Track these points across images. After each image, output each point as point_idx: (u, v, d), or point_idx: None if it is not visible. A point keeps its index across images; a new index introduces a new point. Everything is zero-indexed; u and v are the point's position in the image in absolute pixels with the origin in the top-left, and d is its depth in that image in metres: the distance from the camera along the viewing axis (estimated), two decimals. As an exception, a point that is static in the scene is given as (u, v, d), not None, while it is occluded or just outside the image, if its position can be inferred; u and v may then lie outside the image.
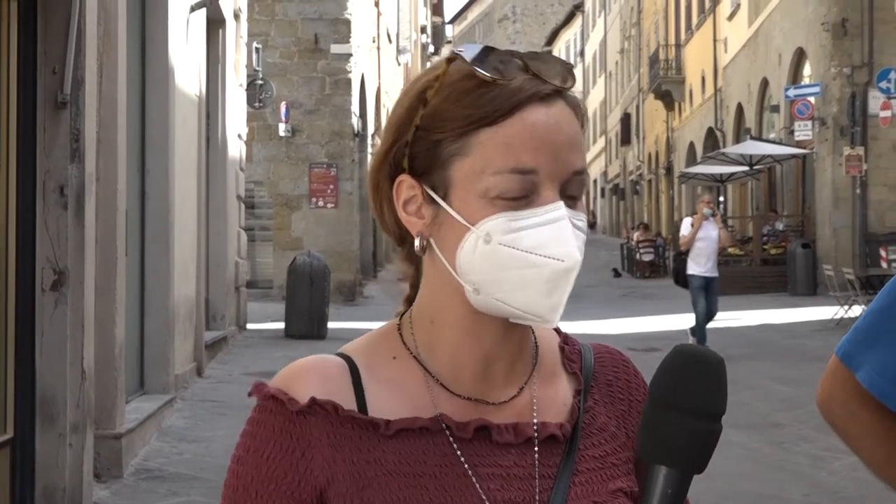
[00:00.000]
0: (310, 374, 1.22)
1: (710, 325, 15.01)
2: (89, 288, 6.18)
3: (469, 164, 1.17)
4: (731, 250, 26.18)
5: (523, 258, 1.15)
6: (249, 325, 15.66)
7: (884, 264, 20.14)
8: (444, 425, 1.20)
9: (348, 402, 1.20)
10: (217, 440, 8.26)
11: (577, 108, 1.21)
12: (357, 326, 16.23)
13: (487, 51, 1.18)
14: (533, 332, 1.30)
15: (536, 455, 1.23)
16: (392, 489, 1.17)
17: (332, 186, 22.69)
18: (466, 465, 1.20)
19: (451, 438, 1.20)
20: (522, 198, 1.16)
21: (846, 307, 16.55)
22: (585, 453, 1.25)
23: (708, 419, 1.11)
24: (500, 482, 1.20)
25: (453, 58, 1.20)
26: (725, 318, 18.49)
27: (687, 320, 18.50)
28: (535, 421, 1.24)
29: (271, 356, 12.91)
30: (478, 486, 1.19)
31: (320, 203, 22.60)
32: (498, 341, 1.23)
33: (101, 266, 6.80)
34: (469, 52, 1.18)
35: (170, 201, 9.36)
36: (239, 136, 14.56)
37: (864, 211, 22.01)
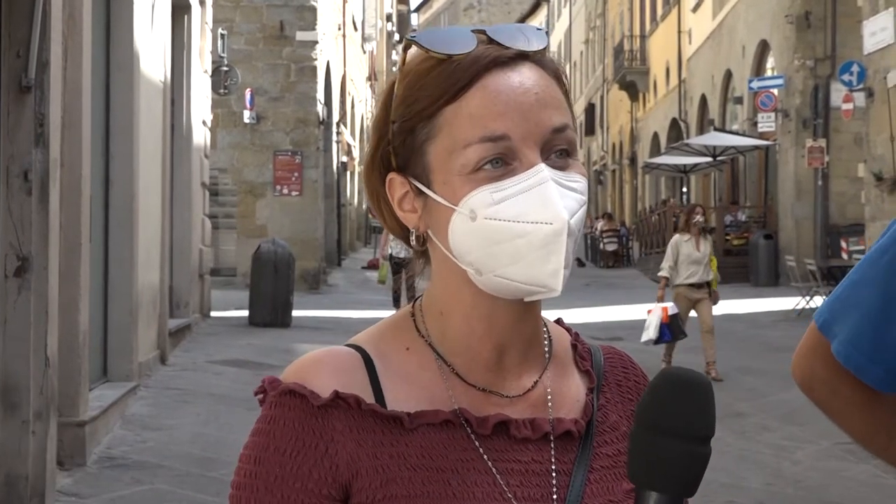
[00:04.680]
0: (325, 367, 1.17)
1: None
2: (53, 274, 6.13)
3: (441, 144, 1.14)
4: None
5: (510, 228, 1.12)
6: (213, 313, 15.59)
7: (845, 255, 20.31)
8: (463, 420, 1.18)
9: (366, 395, 1.16)
10: (181, 428, 8.23)
11: (551, 68, 1.18)
12: (322, 314, 16.18)
13: (441, 30, 1.16)
14: (546, 326, 1.28)
15: (553, 451, 1.21)
16: (416, 484, 1.14)
17: (296, 174, 22.62)
18: (489, 461, 1.17)
19: (471, 434, 1.18)
20: (503, 167, 1.12)
21: (808, 298, 16.69)
22: (599, 451, 1.23)
23: (696, 442, 1.09)
24: (520, 478, 1.18)
25: (409, 44, 1.17)
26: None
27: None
28: (550, 416, 1.22)
29: (235, 344, 12.87)
30: (500, 481, 1.17)
31: (285, 191, 22.53)
32: (510, 327, 1.20)
33: (65, 252, 6.74)
34: (422, 35, 1.16)
35: (134, 188, 9.29)
36: (203, 122, 14.48)
37: (825, 202, 22.19)
